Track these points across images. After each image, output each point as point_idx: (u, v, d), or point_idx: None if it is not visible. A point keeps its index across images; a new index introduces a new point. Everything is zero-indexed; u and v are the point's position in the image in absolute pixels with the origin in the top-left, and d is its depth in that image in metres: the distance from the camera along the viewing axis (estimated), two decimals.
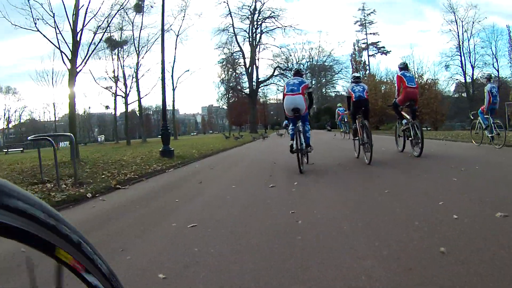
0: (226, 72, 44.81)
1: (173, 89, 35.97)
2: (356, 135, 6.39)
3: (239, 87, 45.26)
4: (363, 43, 49.86)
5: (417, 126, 6.03)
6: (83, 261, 0.43)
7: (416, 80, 8.00)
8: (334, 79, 57.05)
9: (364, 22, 49.58)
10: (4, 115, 64.40)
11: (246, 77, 45.60)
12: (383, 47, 49.31)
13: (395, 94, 6.88)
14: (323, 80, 57.72)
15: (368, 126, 5.85)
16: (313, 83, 57.70)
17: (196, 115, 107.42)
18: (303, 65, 50.24)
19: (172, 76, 36.10)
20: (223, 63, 42.18)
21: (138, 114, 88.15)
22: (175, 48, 35.99)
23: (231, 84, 43.73)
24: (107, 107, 33.04)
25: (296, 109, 5.37)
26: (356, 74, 7.04)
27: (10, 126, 67.38)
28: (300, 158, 5.14)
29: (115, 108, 33.05)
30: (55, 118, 45.10)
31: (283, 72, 46.10)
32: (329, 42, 52.23)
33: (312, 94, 5.97)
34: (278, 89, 54.31)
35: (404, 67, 6.56)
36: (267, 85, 47.36)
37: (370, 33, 49.51)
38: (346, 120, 15.22)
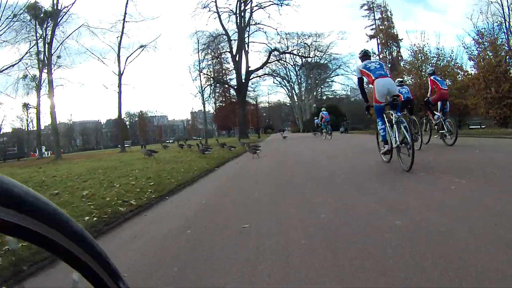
0: (209, 64, 33.91)
1: (120, 74, 22.58)
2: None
3: (222, 80, 33.89)
4: (372, 29, 40.53)
5: (448, 121, 6.74)
6: (87, 258, 0.41)
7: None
8: (331, 76, 48.04)
9: (371, 6, 40.10)
10: None
11: (231, 70, 34.73)
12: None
13: (427, 94, 7.45)
14: (319, 78, 48.39)
15: (416, 120, 6.84)
16: (309, 82, 48.46)
17: (185, 121, 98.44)
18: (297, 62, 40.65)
19: (118, 55, 22.59)
20: (203, 49, 30.86)
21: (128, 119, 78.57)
22: (125, 14, 23.34)
23: (212, 77, 32.50)
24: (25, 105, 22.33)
25: (397, 95, 4.38)
26: (400, 79, 8.07)
27: None
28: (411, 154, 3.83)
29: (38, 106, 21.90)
30: None
31: (281, 57, 35.40)
32: (327, 34, 41.14)
33: None
34: (274, 82, 44.00)
35: (433, 72, 7.50)
36: (259, 76, 36.31)
37: (379, 18, 40.18)
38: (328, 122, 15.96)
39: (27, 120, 42.73)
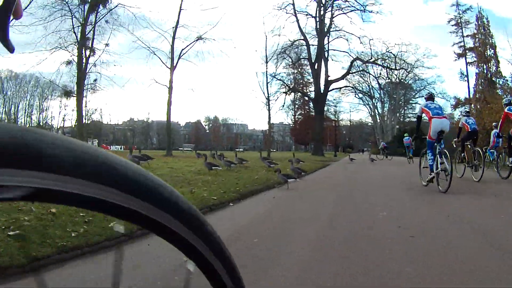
0: (289, 73, 31.53)
1: (172, 68, 20.59)
2: (464, 159, 7.46)
3: (299, 89, 30.99)
4: (460, 47, 33.28)
5: None
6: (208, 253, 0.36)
7: None
8: (415, 97, 43.07)
9: (459, 21, 33.23)
10: (59, 114, 60.92)
11: (311, 82, 31.62)
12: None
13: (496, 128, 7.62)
14: (402, 99, 44.43)
15: (480, 151, 6.93)
16: (392, 102, 42.55)
17: (265, 131, 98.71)
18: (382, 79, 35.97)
19: (172, 46, 20.67)
20: (280, 53, 28.49)
21: (204, 125, 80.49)
22: (181, 1, 21.25)
23: (287, 85, 29.87)
24: (67, 92, 21.99)
25: (442, 131, 5.34)
26: (467, 109, 8.84)
27: (65, 125, 64.03)
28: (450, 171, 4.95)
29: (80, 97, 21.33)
30: None
31: (363, 67, 30.94)
32: (413, 52, 34.25)
33: None
34: (355, 97, 39.50)
35: (509, 103, 7.00)
36: (339, 88, 32.37)
37: (467, 36, 32.76)
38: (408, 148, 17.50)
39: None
